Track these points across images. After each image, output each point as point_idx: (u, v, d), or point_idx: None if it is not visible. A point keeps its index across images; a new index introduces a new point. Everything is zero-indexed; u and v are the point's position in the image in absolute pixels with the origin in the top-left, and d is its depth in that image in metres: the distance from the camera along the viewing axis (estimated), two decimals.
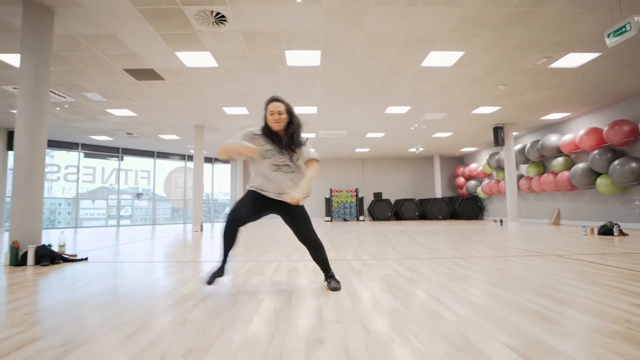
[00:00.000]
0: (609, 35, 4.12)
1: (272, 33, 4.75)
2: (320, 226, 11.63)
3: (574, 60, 5.71)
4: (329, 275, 2.48)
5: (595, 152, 8.22)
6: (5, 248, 4.85)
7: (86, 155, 12.31)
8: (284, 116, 2.34)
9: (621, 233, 6.14)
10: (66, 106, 7.75)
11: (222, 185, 16.65)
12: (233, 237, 2.33)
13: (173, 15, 4.26)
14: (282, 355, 1.33)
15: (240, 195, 15.72)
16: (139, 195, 14.24)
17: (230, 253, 2.36)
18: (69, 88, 6.66)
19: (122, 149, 13.07)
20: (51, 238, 5.52)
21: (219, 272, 2.33)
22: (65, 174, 11.97)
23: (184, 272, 3.13)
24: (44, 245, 3.72)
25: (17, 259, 3.54)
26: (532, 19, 4.48)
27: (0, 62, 5.47)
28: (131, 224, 13.81)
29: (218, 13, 4.23)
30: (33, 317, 1.83)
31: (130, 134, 10.73)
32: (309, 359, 1.30)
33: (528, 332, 1.53)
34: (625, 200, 8.06)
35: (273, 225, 11.32)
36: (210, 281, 2.28)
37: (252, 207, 2.36)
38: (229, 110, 8.40)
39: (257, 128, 2.42)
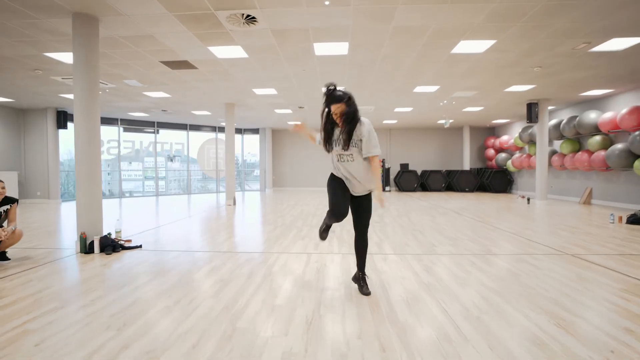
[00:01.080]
0: None
1: (300, 30, 4.83)
2: None
3: (617, 44, 5.39)
4: (362, 275, 2.85)
5: (637, 132, 7.84)
6: (71, 232, 5.59)
7: (125, 130, 13.07)
8: (344, 109, 2.53)
9: None
10: (107, 91, 8.24)
11: (252, 149, 17.20)
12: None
13: (206, 19, 4.43)
14: None
15: (269, 158, 16.32)
16: (171, 159, 15.03)
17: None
18: (110, 77, 7.09)
19: (158, 122, 13.71)
20: (107, 223, 6.21)
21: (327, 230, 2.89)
22: (108, 147, 12.84)
23: (225, 265, 3.61)
24: (106, 235, 4.32)
25: (86, 248, 4.16)
26: (570, 10, 4.28)
27: (53, 60, 5.92)
28: (165, 191, 14.74)
29: (249, 15, 4.36)
30: (118, 320, 2.32)
31: (165, 110, 11.24)
32: None
33: (512, 352, 1.83)
34: None
35: (301, 200, 11.75)
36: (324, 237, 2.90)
37: (341, 189, 2.71)
38: (258, 91, 8.61)
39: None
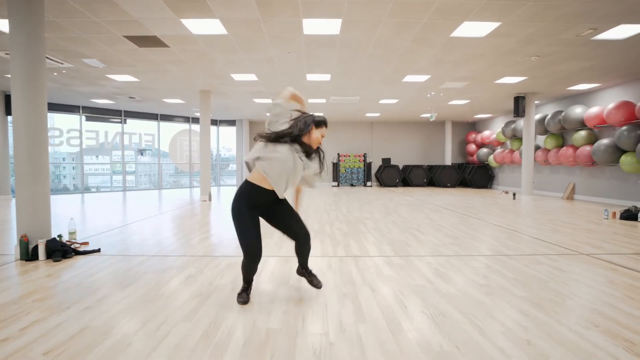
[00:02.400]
0: None
1: (289, 1, 4.21)
2: (326, 192, 11.51)
3: (622, 31, 5.14)
4: (305, 270, 2.56)
5: (624, 127, 7.78)
6: (14, 232, 4.73)
7: (88, 119, 11.90)
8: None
9: None
10: (64, 72, 7.27)
11: (226, 142, 16.37)
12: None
13: None
14: None
15: (246, 152, 15.51)
16: (142, 152, 13.98)
17: None
18: (65, 54, 6.17)
19: (125, 111, 12.62)
20: (60, 222, 5.40)
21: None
22: (68, 137, 11.65)
23: (202, 273, 2.99)
24: (54, 238, 3.56)
25: (28, 254, 3.40)
26: None
27: None
28: (135, 186, 13.71)
29: None
30: (51, 345, 1.68)
31: (132, 97, 10.25)
32: None
33: None
34: None
35: None
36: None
37: (254, 224, 2.48)
38: (237, 77, 7.89)
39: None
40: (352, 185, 15.58)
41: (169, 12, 4.51)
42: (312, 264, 3.35)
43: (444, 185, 14.64)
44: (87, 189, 12.43)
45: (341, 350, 1.78)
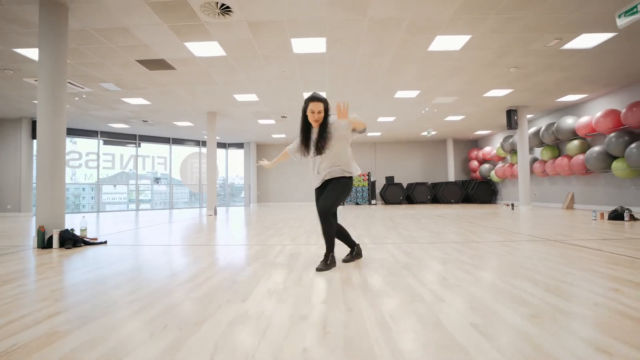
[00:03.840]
0: (619, 16, 4.02)
1: (276, 22, 4.81)
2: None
3: (587, 41, 5.54)
4: (326, 254, 2.73)
5: (612, 134, 8.00)
6: (34, 232, 5.23)
7: (105, 143, 12.77)
8: (322, 114, 2.66)
9: (632, 218, 6.08)
10: (84, 96, 8.06)
11: (237, 169, 16.98)
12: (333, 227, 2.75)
13: (180, 7, 4.37)
14: (268, 330, 1.51)
15: (253, 173, 16.12)
16: (157, 180, 14.73)
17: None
18: (85, 79, 6.93)
19: (139, 135, 13.47)
20: (74, 222, 5.88)
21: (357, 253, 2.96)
22: (87, 160, 12.49)
23: (195, 254, 3.37)
24: (67, 229, 4.03)
25: (44, 242, 3.86)
26: (537, 3, 4.38)
27: (23, 57, 5.74)
28: (151, 208, 14.37)
29: (223, 4, 4.32)
30: (58, 294, 2.08)
31: (145, 121, 11.05)
32: (290, 334, 1.47)
33: (497, 311, 1.66)
34: None
35: (285, 212, 11.56)
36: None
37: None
38: (240, 97, 8.55)
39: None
40: (357, 203, 15.87)
41: (173, 37, 5.17)
42: (294, 248, 3.69)
43: (448, 202, 14.78)
44: (103, 210, 13.10)
45: (291, 292, 2.12)
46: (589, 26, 5.06)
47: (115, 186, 13.81)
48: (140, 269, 2.80)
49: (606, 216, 6.41)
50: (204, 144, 15.25)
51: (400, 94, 8.52)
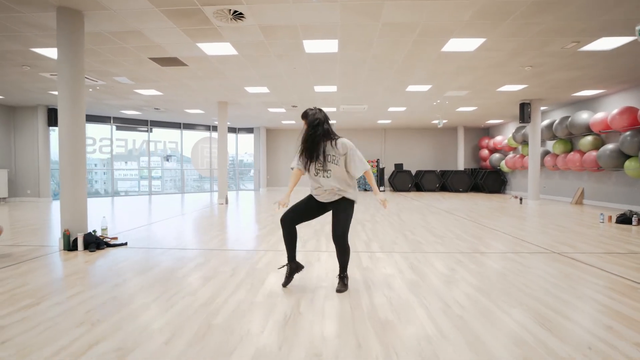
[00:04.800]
0: (639, 29, 3.92)
1: (289, 26, 4.79)
2: None
3: (606, 43, 5.40)
4: (340, 274, 2.85)
5: (627, 133, 7.87)
6: (56, 226, 5.50)
7: (118, 128, 12.96)
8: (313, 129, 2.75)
9: None
10: (98, 88, 8.16)
11: (247, 148, 17.13)
12: (290, 235, 2.88)
13: (193, 14, 4.39)
14: None
15: (263, 158, 16.26)
16: (168, 158, 14.94)
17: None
18: (99, 74, 7.02)
19: (151, 121, 13.62)
20: (93, 220, 6.15)
21: (290, 273, 2.90)
22: (100, 146, 12.74)
23: (209, 264, 3.56)
24: (90, 232, 4.26)
25: (69, 245, 4.10)
26: (558, 8, 4.27)
27: (40, 55, 5.84)
28: (161, 190, 14.69)
29: (236, 11, 4.32)
30: (92, 316, 2.28)
31: (157, 109, 11.16)
32: None
33: (494, 354, 1.80)
34: None
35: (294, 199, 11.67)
36: (286, 283, 2.87)
37: (304, 208, 2.91)
38: (251, 90, 8.57)
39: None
40: (365, 190, 15.98)
41: (186, 39, 5.19)
42: (304, 257, 3.87)
43: (456, 190, 14.80)
44: (116, 193, 13.47)
45: (305, 318, 2.29)
46: (608, 31, 4.93)
47: (126, 162, 14.11)
48: (162, 282, 2.99)
49: (614, 219, 6.43)
50: (214, 128, 15.36)
51: (411, 88, 8.44)
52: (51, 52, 5.67)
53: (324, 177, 2.74)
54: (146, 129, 13.70)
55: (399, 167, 15.66)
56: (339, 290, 2.76)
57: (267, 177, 16.72)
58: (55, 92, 8.67)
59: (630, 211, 6.32)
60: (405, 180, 15.28)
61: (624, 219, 6.27)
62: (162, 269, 3.39)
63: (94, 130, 12.59)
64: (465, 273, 3.27)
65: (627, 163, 7.96)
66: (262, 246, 4.44)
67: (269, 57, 6.09)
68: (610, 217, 6.49)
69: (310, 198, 2.91)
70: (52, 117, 10.60)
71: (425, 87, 8.35)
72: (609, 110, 8.67)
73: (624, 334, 2.04)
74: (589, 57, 6.05)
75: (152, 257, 3.86)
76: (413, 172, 15.81)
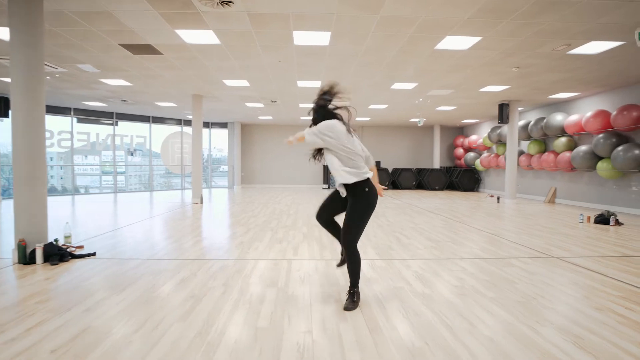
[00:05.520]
0: (639, 35, 3.91)
1: (280, 15, 4.42)
2: (317, 195, 11.72)
3: (594, 47, 5.45)
4: (349, 290, 2.58)
5: (600, 135, 8.15)
6: (9, 237, 4.81)
7: (79, 121, 11.92)
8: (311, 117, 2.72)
9: (617, 223, 6.27)
10: (57, 76, 7.35)
11: (220, 143, 16.43)
12: (330, 227, 2.74)
13: None
14: None
15: (237, 154, 15.63)
16: (132, 153, 13.95)
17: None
18: (60, 60, 6.27)
19: (117, 113, 12.66)
20: (54, 226, 5.50)
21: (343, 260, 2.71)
22: (59, 139, 11.66)
23: (195, 277, 3.16)
24: (51, 242, 3.70)
25: (26, 257, 3.53)
26: (559, 9, 4.20)
27: None
28: (125, 187, 13.73)
29: None
30: (62, 357, 1.85)
31: (125, 101, 10.33)
32: None
33: None
34: (623, 185, 8.15)
35: (272, 198, 11.34)
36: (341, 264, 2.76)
37: (330, 199, 2.72)
38: (230, 83, 8.06)
39: None
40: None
41: (164, 24, 4.67)
42: (300, 266, 3.55)
43: (432, 188, 14.96)
44: (76, 190, 12.42)
45: (322, 347, 1.98)
46: (601, 35, 4.95)
47: (86, 156, 13.02)
48: (146, 304, 2.58)
49: (592, 219, 6.60)
50: (186, 122, 14.57)
51: (397, 86, 8.28)
52: (2, 33, 4.94)
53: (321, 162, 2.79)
54: (111, 121, 12.71)
55: (376, 165, 15.59)
56: (346, 308, 2.48)
57: (242, 174, 16.14)
58: (7, 79, 7.73)
59: (608, 212, 6.50)
60: (382, 178, 15.22)
61: (602, 220, 6.43)
62: (140, 287, 2.95)
63: (51, 122, 11.50)
64: (474, 282, 3.09)
65: (600, 164, 8.25)
66: (250, 254, 4.07)
67: (254, 49, 5.66)
68: (589, 218, 6.65)
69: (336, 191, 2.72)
70: (1, 107, 9.52)
71: (411, 85, 8.22)
72: (582, 113, 8.96)
73: None
74: (575, 61, 6.12)
75: (126, 271, 3.39)
76: (390, 170, 15.83)
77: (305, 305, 2.59)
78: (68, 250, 3.82)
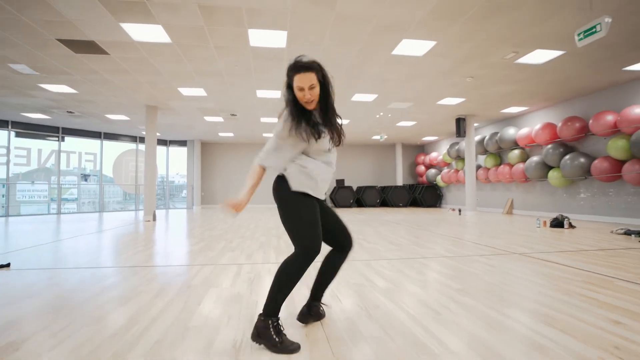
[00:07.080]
0: (579, 34, 4.11)
1: (233, 8, 4.25)
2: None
3: (540, 56, 5.76)
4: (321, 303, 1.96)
5: (549, 146, 8.58)
6: None
7: (18, 135, 10.91)
8: (317, 90, 1.68)
9: (570, 226, 6.46)
10: None
11: (179, 167, 15.68)
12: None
13: None
14: None
15: (197, 173, 14.95)
16: (85, 177, 12.99)
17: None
18: None
19: (63, 128, 11.76)
20: None
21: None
22: None
23: (127, 281, 2.71)
24: None
25: None
26: (507, 11, 4.37)
27: None
28: (77, 210, 12.64)
29: None
30: None
31: (71, 112, 9.60)
32: None
33: None
34: (572, 192, 8.55)
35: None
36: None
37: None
38: (185, 91, 7.71)
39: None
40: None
41: (106, 15, 4.34)
42: (252, 269, 3.20)
43: (396, 205, 15.06)
44: (17, 213, 11.18)
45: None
46: (545, 42, 5.22)
47: (33, 183, 11.87)
48: (56, 310, 2.12)
49: (548, 223, 6.77)
50: (141, 140, 13.83)
51: (357, 97, 8.32)
52: None
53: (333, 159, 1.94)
54: (57, 137, 11.77)
55: (340, 183, 15.54)
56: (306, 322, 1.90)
57: (201, 194, 15.43)
58: None
59: (562, 215, 6.70)
60: (346, 196, 15.17)
61: (557, 223, 6.61)
62: (56, 293, 2.47)
63: None
64: (438, 276, 2.89)
65: (551, 173, 8.64)
66: (197, 260, 3.65)
67: (208, 49, 5.42)
68: (545, 222, 6.82)
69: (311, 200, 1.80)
70: None
71: (371, 97, 8.29)
72: (532, 126, 9.46)
73: (633, 327, 1.76)
74: (523, 71, 6.44)
75: (44, 280, 2.87)
76: (354, 188, 15.81)
77: (251, 303, 2.25)
78: None
